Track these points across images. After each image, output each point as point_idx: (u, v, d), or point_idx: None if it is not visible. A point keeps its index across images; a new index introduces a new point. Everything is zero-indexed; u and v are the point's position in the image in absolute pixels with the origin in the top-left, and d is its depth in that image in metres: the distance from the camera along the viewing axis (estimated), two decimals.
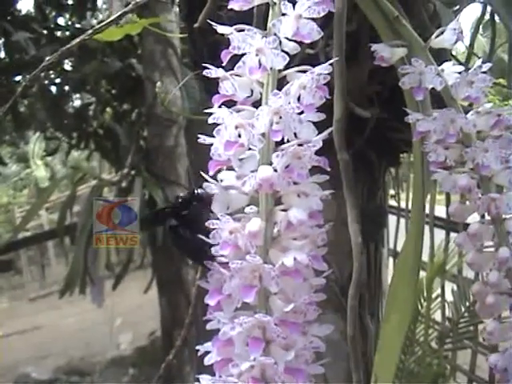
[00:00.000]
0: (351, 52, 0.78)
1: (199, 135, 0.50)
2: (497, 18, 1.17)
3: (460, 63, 0.93)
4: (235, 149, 0.47)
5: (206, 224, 0.47)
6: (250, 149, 0.49)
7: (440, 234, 2.24)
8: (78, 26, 3.38)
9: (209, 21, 0.58)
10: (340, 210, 0.73)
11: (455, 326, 2.02)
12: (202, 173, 0.49)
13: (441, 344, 2.08)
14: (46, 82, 3.34)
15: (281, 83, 0.51)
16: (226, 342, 0.45)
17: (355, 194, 0.66)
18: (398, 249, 2.73)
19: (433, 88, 0.61)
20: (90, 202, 2.78)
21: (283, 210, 0.48)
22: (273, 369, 0.44)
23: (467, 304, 2.02)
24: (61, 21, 3.51)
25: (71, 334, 5.15)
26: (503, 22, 1.00)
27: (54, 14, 3.43)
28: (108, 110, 3.61)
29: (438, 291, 2.18)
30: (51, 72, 3.26)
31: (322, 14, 0.51)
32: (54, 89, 3.45)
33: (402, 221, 2.80)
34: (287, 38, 0.51)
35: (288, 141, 0.48)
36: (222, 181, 0.49)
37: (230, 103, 0.52)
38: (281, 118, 0.47)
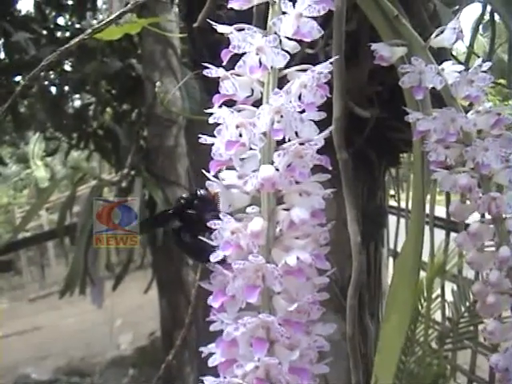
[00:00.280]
0: (351, 52, 0.79)
1: (200, 135, 0.50)
2: (497, 17, 1.17)
3: (460, 63, 0.93)
4: (236, 148, 0.47)
5: (209, 224, 0.47)
6: (251, 148, 0.49)
7: (440, 234, 2.25)
8: (77, 26, 3.38)
9: (208, 20, 0.58)
10: (340, 209, 0.73)
11: (455, 326, 2.03)
12: (203, 172, 0.49)
13: (441, 344, 2.08)
14: (46, 82, 3.34)
15: (281, 82, 0.51)
16: (230, 342, 0.45)
17: (355, 194, 0.66)
18: (398, 249, 2.73)
19: (432, 87, 0.61)
20: (90, 202, 2.78)
21: (285, 210, 0.47)
22: (277, 369, 0.44)
23: (467, 304, 2.02)
24: (61, 21, 3.51)
25: (71, 335, 5.14)
26: (503, 22, 1.00)
27: (53, 14, 3.43)
28: (108, 110, 3.61)
29: (438, 291, 2.19)
30: (51, 72, 3.26)
31: (323, 13, 0.51)
32: (53, 89, 3.45)
33: (402, 221, 2.80)
34: (287, 37, 0.51)
35: (289, 140, 0.48)
36: (223, 180, 0.49)
37: (229, 103, 0.52)
38: (282, 116, 0.47)
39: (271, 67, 0.49)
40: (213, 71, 0.51)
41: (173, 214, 0.76)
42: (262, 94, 0.51)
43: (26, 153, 6.88)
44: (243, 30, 0.50)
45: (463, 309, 2.01)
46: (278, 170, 0.46)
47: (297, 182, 0.48)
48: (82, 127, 3.46)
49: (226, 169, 0.50)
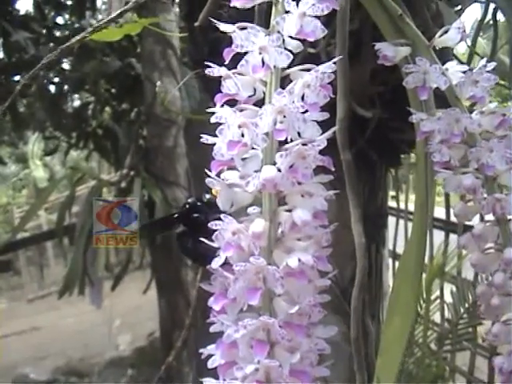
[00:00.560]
0: (353, 51, 0.78)
1: (202, 135, 0.49)
2: (499, 17, 1.17)
3: (461, 63, 0.92)
4: (238, 148, 0.47)
5: (210, 225, 0.47)
6: (252, 148, 0.48)
7: (439, 236, 2.25)
8: (77, 25, 3.37)
9: (211, 19, 0.58)
10: (340, 210, 0.73)
11: (454, 328, 2.03)
12: (206, 172, 0.48)
13: (440, 345, 2.08)
14: (45, 81, 3.34)
15: (283, 82, 0.50)
16: (230, 344, 0.45)
17: (358, 195, 0.66)
18: (397, 250, 2.73)
19: (435, 88, 0.60)
20: (89, 202, 2.78)
21: (287, 211, 0.47)
22: (278, 372, 0.43)
23: (466, 305, 2.02)
24: (60, 20, 3.50)
25: (70, 335, 5.13)
26: (506, 19, 0.99)
27: (53, 13, 3.42)
28: (107, 109, 3.60)
29: (437, 293, 2.19)
30: (50, 71, 3.25)
31: (326, 12, 0.51)
32: (52, 88, 3.45)
33: (401, 222, 2.80)
34: (290, 37, 0.50)
35: (291, 140, 0.48)
36: (225, 180, 0.49)
37: (231, 102, 0.51)
38: (285, 117, 0.46)
39: (274, 67, 0.49)
40: (215, 70, 0.51)
41: (177, 218, 0.75)
42: (264, 93, 0.51)
43: (25, 153, 6.88)
44: (246, 28, 0.50)
45: (462, 310, 2.01)
46: (279, 170, 0.46)
47: (299, 183, 0.47)
48: (81, 126, 3.45)
49: (228, 169, 0.50)
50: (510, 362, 0.55)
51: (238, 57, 0.51)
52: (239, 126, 0.47)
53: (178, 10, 2.49)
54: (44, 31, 3.25)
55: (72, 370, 4.44)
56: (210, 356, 0.47)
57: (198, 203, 0.71)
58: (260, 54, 0.49)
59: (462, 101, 0.61)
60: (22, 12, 3.37)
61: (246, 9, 0.55)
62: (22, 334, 5.33)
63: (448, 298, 2.11)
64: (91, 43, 2.85)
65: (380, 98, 0.99)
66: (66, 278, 2.83)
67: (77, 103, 3.83)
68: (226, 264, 0.47)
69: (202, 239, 0.47)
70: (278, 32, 0.50)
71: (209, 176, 0.48)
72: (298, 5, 0.50)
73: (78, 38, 0.69)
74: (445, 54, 0.73)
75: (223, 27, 0.52)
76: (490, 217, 0.59)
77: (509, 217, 0.57)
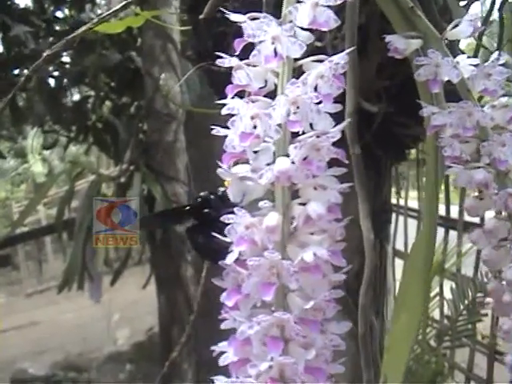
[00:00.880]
0: (359, 46, 0.77)
1: (213, 127, 0.48)
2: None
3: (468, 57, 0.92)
4: (251, 140, 0.46)
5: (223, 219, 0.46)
6: (264, 141, 0.47)
7: (439, 232, 2.24)
8: (76, 19, 3.36)
9: (218, 10, 0.57)
10: (346, 205, 0.72)
11: (454, 324, 2.03)
12: (219, 164, 0.47)
13: (439, 342, 2.09)
14: (45, 75, 3.32)
15: (295, 73, 0.50)
16: (244, 341, 0.44)
17: (367, 190, 0.65)
18: (397, 246, 2.73)
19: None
20: (89, 197, 2.77)
21: (301, 204, 0.46)
22: (292, 369, 0.42)
23: (466, 302, 2.02)
24: (59, 14, 3.49)
25: (69, 330, 5.14)
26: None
27: (52, 7, 3.40)
28: (107, 103, 3.59)
29: (437, 289, 2.19)
30: (50, 65, 3.24)
31: (339, 2, 0.50)
32: (52, 82, 3.43)
33: (401, 218, 2.81)
34: (301, 28, 0.50)
35: (303, 132, 0.47)
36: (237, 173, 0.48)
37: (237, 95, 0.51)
38: (298, 108, 0.46)
39: (287, 57, 0.48)
40: (226, 61, 0.50)
41: (189, 211, 0.74)
42: (275, 84, 0.50)
43: (24, 147, 6.86)
44: (258, 18, 0.49)
45: (462, 307, 2.01)
46: (293, 163, 0.45)
47: (313, 176, 0.46)
48: (80, 120, 3.44)
49: (238, 163, 0.49)
50: None
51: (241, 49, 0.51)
52: (252, 118, 0.46)
53: (178, 3, 2.47)
54: (43, 25, 3.23)
55: (71, 365, 4.44)
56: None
57: (212, 196, 0.70)
58: (273, 43, 0.48)
59: (472, 94, 0.60)
60: (21, 6, 3.36)
61: (251, 2, 0.54)
62: (21, 329, 5.33)
63: (448, 295, 2.12)
64: (91, 36, 2.84)
65: (386, 93, 0.98)
66: (66, 272, 2.82)
67: (76, 97, 3.81)
68: (238, 259, 0.46)
69: (214, 234, 0.47)
70: (291, 21, 0.49)
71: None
72: None
73: (83, 29, 0.68)
74: (452, 48, 0.72)
75: (234, 17, 0.51)
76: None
77: None
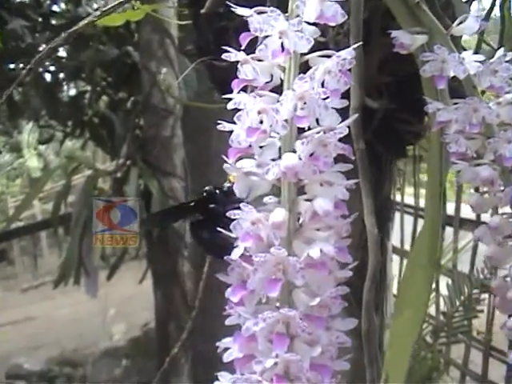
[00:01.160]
0: (362, 41, 0.77)
1: (219, 121, 0.48)
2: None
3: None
4: (257, 135, 0.45)
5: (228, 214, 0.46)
6: (270, 136, 0.47)
7: None
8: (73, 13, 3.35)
9: (226, 3, 0.56)
10: (348, 201, 0.72)
11: (449, 321, 2.04)
12: (224, 158, 0.47)
13: (435, 338, 2.09)
14: (41, 69, 3.31)
15: (301, 68, 0.49)
16: (249, 338, 0.43)
17: (371, 186, 0.65)
18: (393, 242, 2.73)
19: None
20: (85, 191, 2.77)
21: (307, 200, 0.46)
22: (297, 366, 0.42)
23: (462, 298, 2.03)
24: (56, 8, 3.47)
25: (64, 325, 5.12)
26: None
27: (48, 1, 3.39)
28: (104, 98, 3.58)
29: (433, 285, 2.19)
30: (46, 59, 3.22)
31: None
32: (48, 77, 3.42)
33: (397, 215, 2.81)
34: (307, 22, 0.49)
35: (309, 128, 0.47)
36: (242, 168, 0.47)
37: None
38: (305, 103, 0.45)
39: (294, 52, 0.48)
40: (232, 55, 0.49)
41: (194, 206, 0.74)
42: (281, 79, 0.49)
43: (20, 142, 6.84)
44: (265, 12, 0.48)
45: (457, 303, 2.02)
46: (300, 158, 0.45)
47: (320, 172, 0.46)
48: (77, 115, 3.43)
49: (243, 158, 0.48)
50: None
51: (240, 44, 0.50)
52: (259, 112, 0.46)
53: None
54: (40, 19, 3.22)
55: (66, 361, 4.43)
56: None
57: (217, 191, 0.69)
58: (280, 38, 0.47)
59: (478, 91, 0.60)
60: (18, 0, 3.34)
61: None
62: (16, 324, 5.31)
63: (444, 291, 2.12)
64: (88, 31, 2.83)
65: (387, 89, 0.98)
66: (62, 267, 2.82)
67: (73, 92, 3.80)
68: (243, 255, 0.46)
69: (220, 229, 0.46)
70: (298, 16, 0.48)
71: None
72: None
73: (85, 21, 0.68)
74: (455, 45, 0.72)
75: (240, 11, 0.50)
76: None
77: None
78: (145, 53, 2.92)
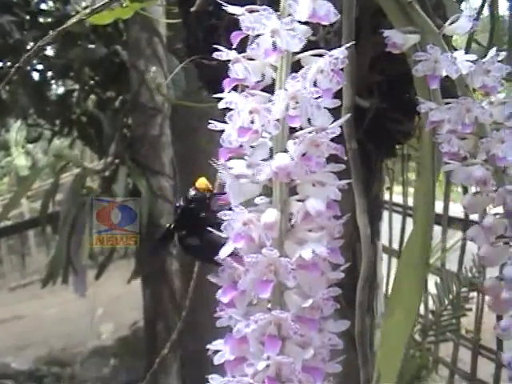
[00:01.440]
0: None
1: (210, 121, 0.47)
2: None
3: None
4: (249, 135, 0.45)
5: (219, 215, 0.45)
6: (261, 136, 0.46)
7: None
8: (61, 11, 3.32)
9: (216, 1, 0.55)
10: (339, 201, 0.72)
11: (438, 319, 2.05)
12: (215, 161, 0.46)
13: (424, 336, 2.10)
14: (28, 68, 3.29)
15: (292, 68, 0.49)
16: (241, 339, 0.43)
17: (363, 185, 0.64)
18: (383, 242, 2.74)
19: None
20: (73, 190, 2.75)
21: (299, 201, 0.45)
22: (289, 368, 0.41)
23: (450, 297, 2.04)
24: (44, 6, 3.44)
25: (52, 324, 5.10)
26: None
27: None
28: (92, 97, 3.56)
29: None
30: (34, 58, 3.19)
31: None
32: (36, 75, 3.39)
33: (385, 213, 2.81)
34: (299, 21, 0.49)
35: (301, 128, 0.46)
36: (231, 169, 0.47)
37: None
38: (297, 103, 0.45)
39: (286, 51, 0.47)
40: (223, 54, 0.49)
41: (176, 226, 0.75)
42: (273, 79, 0.49)
43: (7, 140, 6.80)
44: (256, 11, 0.48)
45: (446, 302, 2.03)
46: (292, 159, 0.44)
47: (312, 172, 0.45)
48: (65, 114, 3.41)
49: (232, 159, 0.48)
50: None
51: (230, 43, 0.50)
52: (250, 112, 0.45)
53: None
54: (27, 17, 3.19)
55: (54, 360, 4.41)
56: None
57: (188, 204, 0.71)
58: (272, 37, 0.47)
59: (471, 90, 0.60)
60: None
61: None
62: (4, 323, 5.28)
63: (432, 290, 2.13)
64: (76, 29, 2.81)
65: (378, 88, 0.98)
66: (50, 266, 2.80)
67: (61, 90, 3.78)
68: (234, 255, 0.45)
69: (203, 235, 0.46)
70: (290, 15, 0.48)
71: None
72: None
73: (74, 20, 0.67)
74: (446, 45, 0.72)
75: (232, 10, 0.49)
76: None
77: None
78: (133, 51, 2.90)
